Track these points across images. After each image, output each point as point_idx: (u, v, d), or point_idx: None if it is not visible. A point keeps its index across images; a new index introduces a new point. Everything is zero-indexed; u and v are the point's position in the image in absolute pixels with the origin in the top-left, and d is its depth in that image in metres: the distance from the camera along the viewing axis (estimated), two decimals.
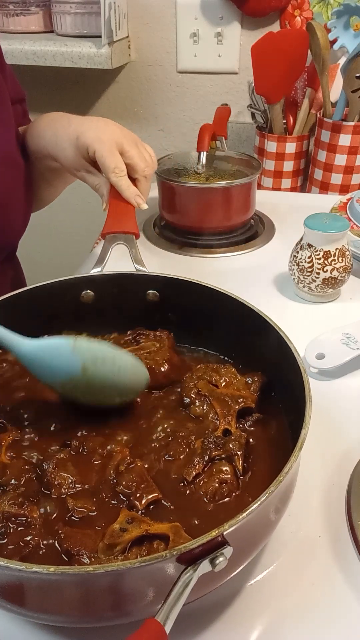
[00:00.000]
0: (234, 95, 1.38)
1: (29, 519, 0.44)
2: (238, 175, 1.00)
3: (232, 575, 0.41)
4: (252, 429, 0.54)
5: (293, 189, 1.27)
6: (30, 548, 0.43)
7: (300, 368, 0.48)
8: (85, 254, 1.00)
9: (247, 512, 0.36)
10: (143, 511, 0.45)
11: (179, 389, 0.58)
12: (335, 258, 0.79)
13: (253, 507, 0.36)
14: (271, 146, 1.21)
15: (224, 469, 0.48)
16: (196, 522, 0.44)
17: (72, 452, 0.50)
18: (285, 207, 1.14)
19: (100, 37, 1.25)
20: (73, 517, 0.45)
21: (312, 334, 0.72)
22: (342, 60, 1.12)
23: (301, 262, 0.81)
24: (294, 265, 0.82)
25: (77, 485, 0.47)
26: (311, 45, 1.11)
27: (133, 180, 0.72)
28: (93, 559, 0.41)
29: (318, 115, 1.17)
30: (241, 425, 0.53)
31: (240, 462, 0.49)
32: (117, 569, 0.34)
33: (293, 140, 1.20)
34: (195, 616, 0.44)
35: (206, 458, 0.49)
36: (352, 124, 1.11)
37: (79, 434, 0.52)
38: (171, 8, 1.31)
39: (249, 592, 0.47)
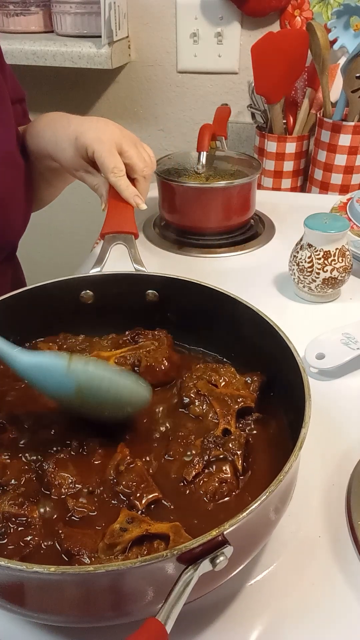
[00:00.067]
0: (234, 95, 1.38)
1: (29, 519, 0.44)
2: (238, 175, 1.00)
3: (233, 574, 0.41)
4: (252, 428, 0.54)
5: (293, 189, 1.27)
6: (30, 548, 0.43)
7: (299, 367, 0.48)
8: (85, 253, 1.00)
9: (247, 512, 0.36)
10: (143, 511, 0.45)
11: (179, 389, 0.58)
12: (335, 258, 0.79)
13: (253, 507, 0.36)
14: (271, 146, 1.21)
15: (224, 468, 0.48)
16: (196, 521, 0.44)
17: (72, 452, 0.50)
18: (285, 207, 1.14)
19: (100, 37, 1.25)
20: (73, 517, 0.45)
21: (312, 334, 0.72)
22: (342, 60, 1.12)
23: (301, 262, 0.81)
24: (294, 265, 0.82)
25: (77, 485, 0.47)
26: (311, 45, 1.11)
27: (132, 180, 0.72)
28: (93, 559, 0.41)
29: (318, 115, 1.17)
30: (241, 425, 0.53)
31: (240, 461, 0.49)
32: (117, 568, 0.34)
33: (293, 140, 1.20)
34: (196, 616, 0.44)
35: (206, 458, 0.49)
36: (352, 124, 1.11)
37: (78, 434, 0.52)
38: (171, 8, 1.31)
39: (249, 592, 0.47)
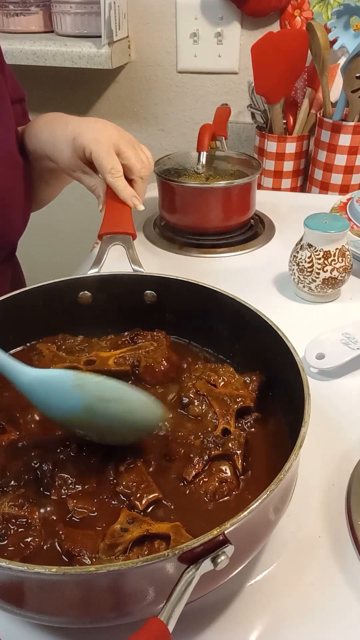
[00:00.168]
0: (234, 95, 1.38)
1: (29, 520, 0.44)
2: (238, 175, 1.00)
3: (234, 573, 0.41)
4: (252, 428, 0.54)
5: (293, 189, 1.27)
6: (31, 549, 0.43)
7: (299, 367, 0.48)
8: (84, 253, 1.00)
9: (248, 511, 0.36)
10: (143, 511, 0.45)
11: (178, 389, 0.58)
12: (335, 258, 0.79)
13: (254, 506, 0.36)
14: (271, 146, 1.21)
15: (224, 468, 0.48)
16: (197, 521, 0.44)
17: (71, 453, 0.50)
18: (285, 207, 1.14)
19: (100, 37, 1.25)
20: (73, 518, 0.45)
21: (312, 334, 0.72)
22: (342, 60, 1.12)
23: (301, 262, 0.81)
24: (294, 265, 0.82)
25: (77, 486, 0.47)
26: (311, 45, 1.11)
27: (129, 181, 0.73)
28: (94, 560, 0.41)
29: (318, 115, 1.17)
30: (240, 425, 0.53)
31: (240, 461, 0.49)
32: (119, 568, 0.34)
33: (293, 140, 1.20)
34: (196, 616, 0.44)
35: (206, 458, 0.49)
36: (352, 124, 1.11)
37: (78, 435, 0.52)
38: (171, 8, 1.31)
39: (249, 592, 0.47)
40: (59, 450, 0.50)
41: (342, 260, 0.80)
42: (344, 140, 1.12)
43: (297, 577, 0.48)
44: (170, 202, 1.00)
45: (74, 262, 0.96)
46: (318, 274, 0.79)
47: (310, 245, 0.80)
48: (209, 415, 0.54)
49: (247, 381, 0.56)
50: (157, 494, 0.46)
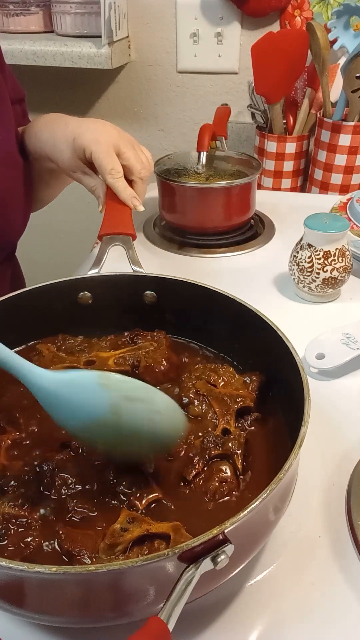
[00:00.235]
0: (234, 95, 1.38)
1: (29, 520, 0.44)
2: (238, 175, 1.00)
3: (234, 573, 0.41)
4: (252, 428, 0.54)
5: (293, 189, 1.27)
6: (31, 549, 0.43)
7: (298, 367, 0.48)
8: (84, 253, 1.00)
9: (248, 510, 0.36)
10: (143, 511, 0.45)
11: (178, 389, 0.58)
12: (335, 258, 0.79)
13: (254, 505, 0.36)
14: (271, 146, 1.21)
15: (224, 468, 0.48)
16: (197, 521, 0.44)
17: (71, 453, 0.50)
18: (285, 207, 1.14)
19: (100, 37, 1.25)
20: (73, 518, 0.45)
21: (312, 334, 0.72)
22: (342, 60, 1.12)
23: (301, 262, 0.81)
24: (294, 265, 0.82)
25: (77, 486, 0.47)
26: (311, 45, 1.11)
27: (129, 182, 0.73)
28: (94, 559, 0.41)
29: (318, 115, 1.17)
30: (240, 425, 0.53)
31: (240, 461, 0.49)
32: (119, 568, 0.34)
33: (293, 140, 1.20)
34: (196, 616, 0.44)
35: (206, 457, 0.49)
36: (352, 124, 1.11)
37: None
38: (171, 8, 1.31)
39: (248, 592, 0.47)
40: (59, 450, 0.50)
41: (342, 260, 0.80)
42: (344, 140, 1.12)
43: (297, 577, 0.48)
44: (170, 202, 1.00)
45: (74, 263, 0.96)
46: (318, 274, 0.79)
47: (310, 245, 0.80)
48: (209, 415, 0.54)
49: (247, 381, 0.56)
50: (157, 494, 0.46)
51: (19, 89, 0.88)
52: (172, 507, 0.46)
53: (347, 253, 0.80)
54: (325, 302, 0.84)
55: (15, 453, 0.51)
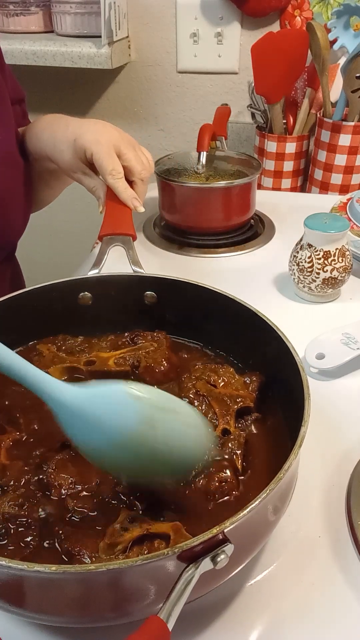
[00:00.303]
0: (234, 95, 1.38)
1: (29, 520, 0.44)
2: (238, 175, 1.00)
3: (234, 573, 0.41)
4: (251, 428, 0.54)
5: (293, 189, 1.27)
6: (30, 549, 0.43)
7: (298, 367, 0.48)
8: (84, 254, 1.00)
9: (247, 510, 0.36)
10: (143, 511, 0.45)
11: (178, 390, 0.58)
12: (335, 258, 0.79)
13: (254, 505, 0.36)
14: (271, 146, 1.21)
15: (224, 468, 0.48)
16: (197, 521, 0.44)
17: (72, 453, 0.50)
18: (285, 207, 1.14)
19: (100, 37, 1.25)
20: (73, 518, 0.45)
21: (312, 334, 0.72)
22: (342, 60, 1.12)
23: (301, 262, 0.81)
24: (294, 265, 0.82)
25: (77, 486, 0.47)
26: (311, 45, 1.11)
27: (130, 183, 0.73)
28: (94, 559, 0.41)
29: (318, 115, 1.17)
30: (240, 425, 0.53)
31: (240, 461, 0.49)
32: (119, 567, 0.34)
33: (293, 140, 1.20)
34: (196, 616, 0.44)
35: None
36: (352, 124, 1.11)
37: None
38: (171, 8, 1.31)
39: (248, 592, 0.47)
40: (59, 450, 0.50)
41: (342, 260, 0.80)
42: (344, 140, 1.12)
43: (297, 577, 0.48)
44: (170, 202, 1.00)
45: (74, 263, 0.96)
46: (318, 274, 0.80)
47: (310, 245, 0.80)
48: (209, 415, 0.54)
49: (247, 381, 0.56)
50: (157, 494, 0.46)
51: (19, 89, 0.88)
52: (172, 507, 0.46)
53: (347, 253, 0.80)
54: (325, 302, 0.84)
55: (16, 453, 0.51)
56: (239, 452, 0.49)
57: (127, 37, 1.37)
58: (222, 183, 0.96)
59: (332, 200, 1.05)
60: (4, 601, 0.38)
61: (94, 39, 1.29)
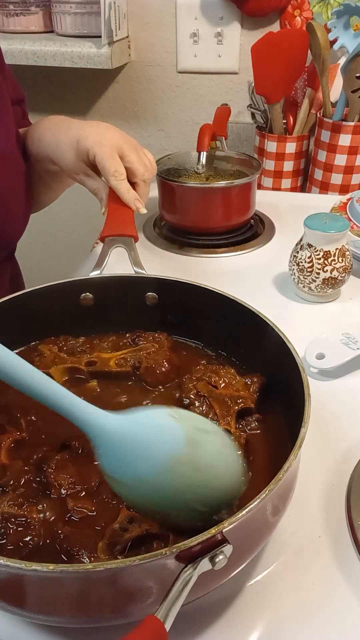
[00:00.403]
0: (234, 95, 1.38)
1: (28, 520, 0.44)
2: (238, 175, 1.00)
3: (232, 574, 0.41)
4: (252, 429, 0.54)
5: (293, 189, 1.27)
6: (29, 548, 0.43)
7: (299, 368, 0.48)
8: (84, 254, 1.00)
9: (246, 510, 0.36)
10: None
11: (179, 390, 0.58)
12: (335, 258, 0.79)
13: (252, 505, 0.36)
14: (271, 146, 1.21)
15: None
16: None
17: (71, 453, 0.50)
18: (285, 207, 1.14)
19: (100, 37, 1.25)
20: (73, 518, 0.45)
21: (312, 334, 0.72)
22: (342, 60, 1.12)
23: (301, 262, 0.81)
24: (294, 265, 0.82)
25: (76, 486, 0.47)
26: (311, 45, 1.11)
27: (132, 184, 0.73)
28: (93, 559, 0.41)
29: (318, 115, 1.17)
30: (240, 426, 0.53)
31: None
32: (116, 566, 0.34)
33: (293, 140, 1.20)
34: (196, 616, 0.45)
35: None
36: (352, 124, 1.11)
37: (78, 435, 0.52)
38: (171, 8, 1.31)
39: (249, 592, 0.47)
40: (59, 450, 0.50)
41: (342, 260, 0.80)
42: (344, 140, 1.12)
43: (297, 577, 0.48)
44: (170, 202, 1.00)
45: (74, 263, 0.96)
46: (318, 274, 0.79)
47: (310, 245, 0.80)
48: (210, 416, 0.54)
49: (248, 383, 0.56)
50: None
51: (19, 89, 0.88)
52: None
53: (347, 253, 0.80)
54: (325, 302, 0.84)
55: (16, 453, 0.51)
56: (239, 452, 0.49)
57: (127, 37, 1.37)
58: (222, 183, 0.96)
59: (332, 200, 1.05)
60: (3, 601, 0.38)
61: (94, 39, 1.29)
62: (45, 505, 0.46)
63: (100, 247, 0.67)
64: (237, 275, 0.92)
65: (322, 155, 1.17)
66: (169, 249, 0.99)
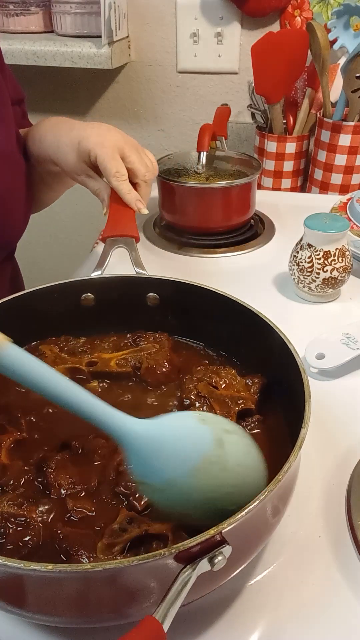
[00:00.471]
0: (234, 95, 1.38)
1: (28, 520, 0.44)
2: (238, 175, 1.00)
3: (232, 576, 0.41)
4: (252, 430, 0.54)
5: (293, 189, 1.27)
6: (29, 548, 0.43)
7: (300, 368, 0.48)
8: (84, 254, 1.00)
9: (245, 511, 0.36)
10: (142, 511, 0.45)
11: (179, 391, 0.58)
12: (335, 258, 0.79)
13: (252, 506, 0.36)
14: (271, 146, 1.21)
15: None
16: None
17: (71, 453, 0.50)
18: (285, 207, 1.14)
19: (100, 37, 1.25)
20: (72, 518, 0.45)
21: (312, 334, 0.72)
22: (342, 60, 1.12)
23: (301, 262, 0.81)
24: (294, 265, 0.82)
25: (76, 486, 0.47)
26: (311, 45, 1.11)
27: (134, 185, 0.73)
28: (92, 559, 0.41)
29: (318, 115, 1.17)
30: (241, 427, 0.53)
31: None
32: (115, 567, 0.34)
33: (293, 140, 1.20)
34: (196, 615, 0.44)
35: None
36: (352, 124, 1.11)
37: (78, 435, 0.52)
38: (171, 8, 1.31)
39: (249, 592, 0.47)
40: (59, 450, 0.50)
41: (342, 260, 0.79)
42: (344, 140, 1.12)
43: (297, 577, 0.48)
44: (170, 202, 1.00)
45: (74, 263, 0.96)
46: (318, 274, 0.79)
47: (310, 245, 0.80)
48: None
49: (249, 383, 0.56)
50: None
51: (18, 89, 0.88)
52: None
53: (347, 253, 0.80)
54: (325, 302, 0.84)
55: (16, 453, 0.51)
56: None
57: (127, 37, 1.37)
58: (222, 183, 0.96)
59: (332, 200, 1.04)
60: (2, 600, 0.38)
61: (94, 39, 1.29)
62: (45, 505, 0.46)
63: (100, 247, 0.67)
64: (237, 275, 0.92)
65: (322, 155, 1.17)
66: (168, 249, 0.99)
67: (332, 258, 0.79)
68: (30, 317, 0.61)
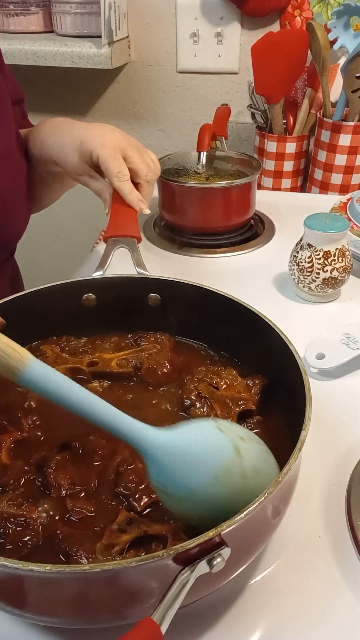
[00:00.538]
0: (234, 95, 1.38)
1: (27, 520, 0.44)
2: (238, 175, 1.00)
3: (231, 577, 0.41)
4: (252, 430, 0.54)
5: (293, 189, 1.27)
6: (28, 548, 0.43)
7: (300, 369, 0.48)
8: (84, 254, 1.00)
9: (245, 513, 0.36)
10: (142, 512, 0.45)
11: (180, 391, 0.58)
12: (335, 258, 0.79)
13: (251, 508, 0.36)
14: (271, 146, 1.21)
15: None
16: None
17: (71, 453, 0.50)
18: (285, 207, 1.14)
19: (100, 37, 1.25)
20: (72, 518, 0.45)
21: (312, 334, 0.72)
22: (342, 60, 1.12)
23: (301, 262, 0.81)
24: (294, 265, 0.82)
25: (76, 487, 0.47)
26: (311, 45, 1.11)
27: (135, 185, 0.73)
28: (91, 560, 0.41)
29: (318, 115, 1.17)
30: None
31: None
32: (113, 567, 0.34)
33: (293, 140, 1.20)
34: (196, 615, 0.44)
35: None
36: (352, 124, 1.11)
37: (79, 435, 0.52)
38: (171, 8, 1.31)
39: (249, 592, 0.47)
40: (59, 450, 0.50)
41: (342, 260, 0.79)
42: (344, 140, 1.12)
43: (297, 577, 0.48)
44: (170, 202, 1.00)
45: (74, 263, 0.96)
46: (318, 274, 0.79)
47: (310, 245, 0.80)
48: (211, 417, 0.54)
49: (250, 384, 0.56)
50: (156, 496, 0.46)
51: (18, 89, 0.88)
52: None
53: (347, 253, 0.80)
54: (325, 302, 0.84)
55: (16, 453, 0.51)
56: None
57: (127, 37, 1.37)
58: (222, 183, 0.96)
59: (332, 200, 1.04)
60: (1, 601, 0.38)
61: (94, 39, 1.29)
62: (44, 505, 0.46)
63: (100, 247, 0.67)
64: (237, 275, 0.92)
65: (322, 155, 1.17)
66: (169, 249, 0.99)
67: (332, 258, 0.79)
68: (31, 317, 0.61)
